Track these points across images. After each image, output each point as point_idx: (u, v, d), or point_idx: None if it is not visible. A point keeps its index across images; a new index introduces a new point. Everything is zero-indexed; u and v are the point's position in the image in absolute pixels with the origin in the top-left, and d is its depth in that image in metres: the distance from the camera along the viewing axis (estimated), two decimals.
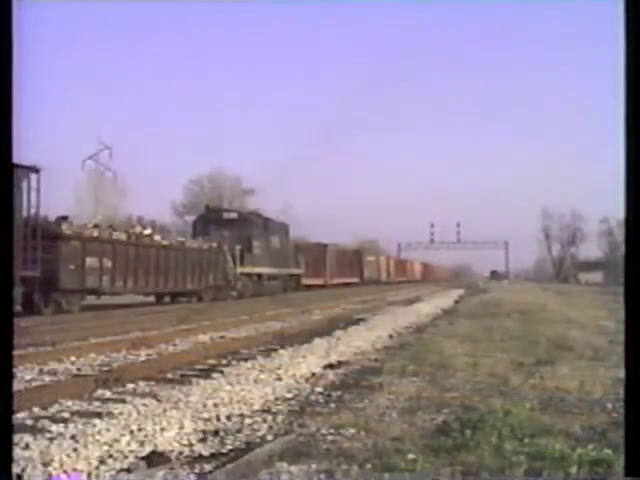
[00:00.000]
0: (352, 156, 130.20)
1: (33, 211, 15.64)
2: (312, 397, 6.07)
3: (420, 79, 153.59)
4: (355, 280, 50.86)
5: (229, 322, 13.89)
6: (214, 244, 26.08)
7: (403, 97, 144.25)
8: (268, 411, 5.46)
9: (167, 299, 23.72)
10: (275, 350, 8.90)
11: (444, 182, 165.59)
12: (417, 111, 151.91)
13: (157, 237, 22.47)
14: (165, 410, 5.03)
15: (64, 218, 18.50)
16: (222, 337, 11.25)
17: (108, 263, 18.80)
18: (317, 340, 9.98)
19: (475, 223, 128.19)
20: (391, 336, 11.55)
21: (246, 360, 7.89)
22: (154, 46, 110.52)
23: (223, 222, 29.91)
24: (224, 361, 8.10)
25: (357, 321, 13.95)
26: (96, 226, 19.95)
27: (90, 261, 18.12)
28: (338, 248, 49.20)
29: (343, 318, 15.02)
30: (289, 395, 6.13)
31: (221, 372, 7.01)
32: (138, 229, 22.49)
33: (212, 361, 8.12)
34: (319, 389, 6.44)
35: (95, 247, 18.41)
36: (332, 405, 5.67)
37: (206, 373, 7.05)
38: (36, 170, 16.08)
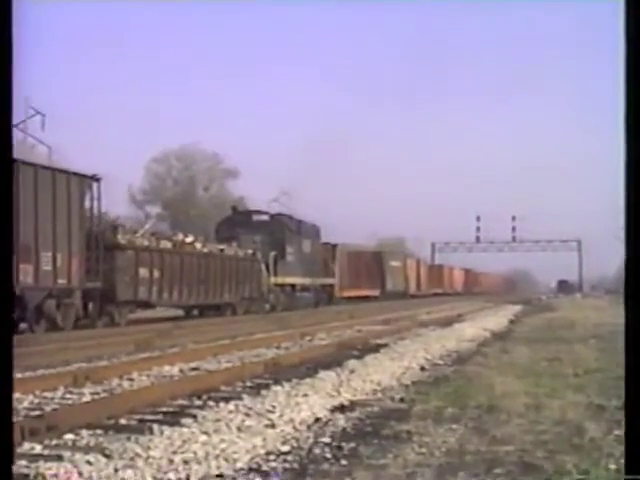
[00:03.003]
0: (379, 140, 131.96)
1: (95, 220, 19.66)
2: (316, 450, 6.06)
3: (459, 58, 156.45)
4: (374, 293, 50.60)
5: (209, 347, 13.95)
6: (249, 251, 30.28)
7: (440, 76, 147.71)
8: (257, 470, 5.44)
9: (195, 312, 27.58)
10: (267, 386, 8.92)
11: (493, 162, 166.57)
12: (459, 86, 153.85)
13: (198, 245, 26.77)
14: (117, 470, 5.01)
15: (115, 227, 22.03)
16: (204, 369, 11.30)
17: (156, 273, 22.55)
18: (323, 373, 10.01)
19: (537, 216, 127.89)
20: (423, 368, 11.57)
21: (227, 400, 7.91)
22: (154, 45, 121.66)
23: (253, 225, 32.94)
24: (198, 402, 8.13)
25: (377, 347, 14.00)
26: (143, 234, 23.53)
27: (142, 272, 21.75)
28: (351, 249, 49.12)
29: (358, 343, 15.07)
30: (285, 448, 6.12)
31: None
32: (180, 237, 26.52)
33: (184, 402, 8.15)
34: (326, 439, 6.44)
35: (146, 257, 22.18)
36: (343, 462, 5.65)
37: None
38: (97, 179, 19.84)
